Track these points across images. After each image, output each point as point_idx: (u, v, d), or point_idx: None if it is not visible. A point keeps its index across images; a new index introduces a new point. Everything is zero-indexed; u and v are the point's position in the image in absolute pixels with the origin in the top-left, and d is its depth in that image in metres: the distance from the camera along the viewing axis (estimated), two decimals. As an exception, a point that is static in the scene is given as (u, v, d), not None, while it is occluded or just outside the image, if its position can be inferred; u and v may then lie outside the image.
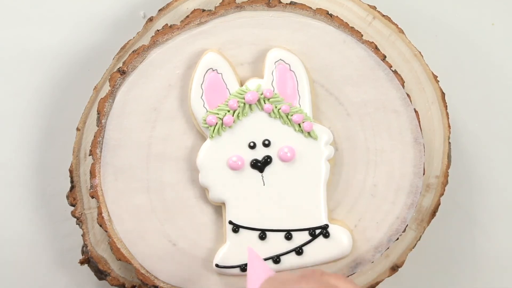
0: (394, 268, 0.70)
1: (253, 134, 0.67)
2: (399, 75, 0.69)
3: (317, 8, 0.69)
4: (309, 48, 0.68)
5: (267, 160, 0.67)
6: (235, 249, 0.67)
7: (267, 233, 0.67)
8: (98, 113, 0.68)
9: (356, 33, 0.68)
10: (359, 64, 0.68)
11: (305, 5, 0.69)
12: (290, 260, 0.67)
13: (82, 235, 0.71)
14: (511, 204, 0.78)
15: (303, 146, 0.67)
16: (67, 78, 0.78)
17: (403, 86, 0.68)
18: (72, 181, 0.71)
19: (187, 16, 0.69)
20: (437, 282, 0.77)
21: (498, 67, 0.79)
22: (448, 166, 0.71)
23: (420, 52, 0.71)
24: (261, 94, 0.67)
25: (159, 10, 0.72)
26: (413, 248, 0.70)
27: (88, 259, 0.71)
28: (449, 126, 0.71)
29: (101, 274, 0.71)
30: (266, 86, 0.67)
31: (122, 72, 0.68)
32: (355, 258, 0.68)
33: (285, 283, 0.57)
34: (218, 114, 0.67)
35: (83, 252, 0.72)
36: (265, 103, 0.67)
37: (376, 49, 0.68)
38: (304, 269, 0.67)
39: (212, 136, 0.67)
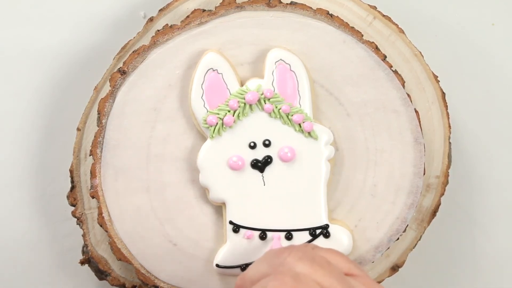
0: (395, 268, 0.70)
1: (254, 134, 0.67)
2: (399, 75, 0.69)
3: (317, 8, 0.69)
4: (309, 48, 0.68)
5: (267, 160, 0.67)
6: (236, 249, 0.67)
7: (268, 233, 0.67)
8: (99, 113, 0.68)
9: (356, 33, 0.68)
10: (359, 64, 0.68)
11: (305, 5, 0.69)
12: (290, 260, 0.67)
13: (82, 235, 0.71)
14: (511, 204, 0.78)
15: (303, 146, 0.67)
16: (67, 78, 0.78)
17: (403, 86, 0.68)
18: (72, 181, 0.71)
19: (188, 16, 0.69)
20: (437, 282, 0.78)
21: (498, 67, 0.79)
22: (448, 166, 0.71)
23: (420, 52, 0.71)
24: (262, 94, 0.67)
25: (160, 10, 0.72)
26: (413, 248, 0.70)
27: (88, 259, 0.71)
28: (449, 126, 0.71)
29: (101, 274, 0.71)
30: (266, 86, 0.67)
31: (123, 72, 0.68)
32: (356, 258, 0.68)
33: (272, 251, 0.58)
34: (218, 114, 0.67)
35: (83, 252, 0.72)
36: (265, 103, 0.67)
37: (376, 49, 0.68)
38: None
39: (212, 136, 0.67)
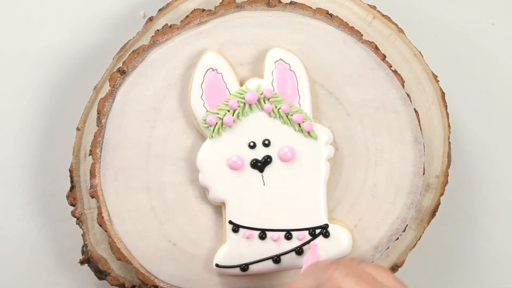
0: (394, 268, 0.70)
1: (253, 134, 0.67)
2: (399, 75, 0.69)
3: (317, 8, 0.69)
4: (309, 48, 0.68)
5: (267, 160, 0.67)
6: (235, 249, 0.67)
7: (267, 232, 0.67)
8: (98, 113, 0.68)
9: (356, 33, 0.68)
10: (359, 64, 0.68)
11: (305, 5, 0.69)
12: (290, 260, 0.67)
13: (82, 235, 0.71)
14: (511, 204, 0.78)
15: (303, 146, 0.67)
16: (67, 78, 0.78)
17: (403, 86, 0.68)
18: (72, 181, 0.71)
19: (187, 16, 0.69)
20: (437, 282, 0.78)
21: (498, 67, 0.79)
22: (448, 166, 0.71)
23: (420, 52, 0.71)
24: (261, 94, 0.67)
25: (159, 10, 0.72)
26: (413, 248, 0.70)
27: (88, 259, 0.71)
28: (449, 126, 0.71)
29: (101, 274, 0.71)
30: (266, 86, 0.67)
31: (122, 72, 0.68)
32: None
33: (318, 265, 0.58)
34: (218, 114, 0.67)
35: (83, 252, 0.72)
36: (265, 103, 0.67)
37: (376, 49, 0.68)
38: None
39: (212, 136, 0.67)
